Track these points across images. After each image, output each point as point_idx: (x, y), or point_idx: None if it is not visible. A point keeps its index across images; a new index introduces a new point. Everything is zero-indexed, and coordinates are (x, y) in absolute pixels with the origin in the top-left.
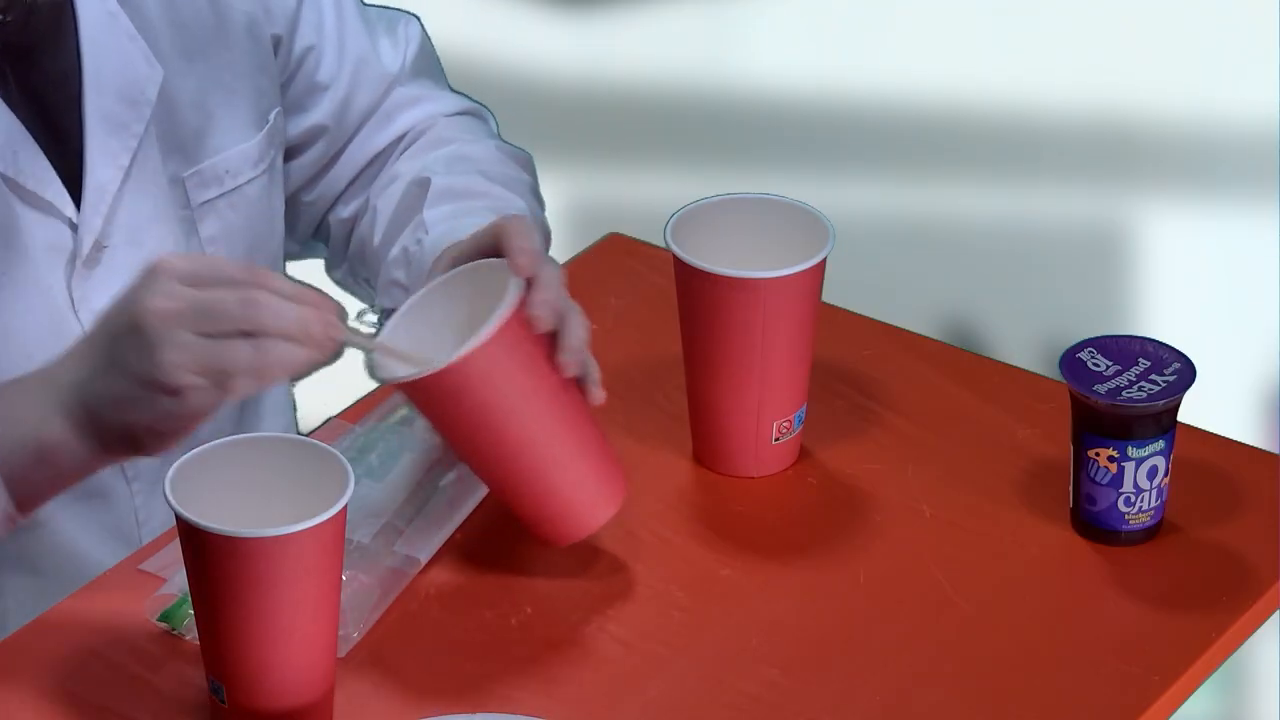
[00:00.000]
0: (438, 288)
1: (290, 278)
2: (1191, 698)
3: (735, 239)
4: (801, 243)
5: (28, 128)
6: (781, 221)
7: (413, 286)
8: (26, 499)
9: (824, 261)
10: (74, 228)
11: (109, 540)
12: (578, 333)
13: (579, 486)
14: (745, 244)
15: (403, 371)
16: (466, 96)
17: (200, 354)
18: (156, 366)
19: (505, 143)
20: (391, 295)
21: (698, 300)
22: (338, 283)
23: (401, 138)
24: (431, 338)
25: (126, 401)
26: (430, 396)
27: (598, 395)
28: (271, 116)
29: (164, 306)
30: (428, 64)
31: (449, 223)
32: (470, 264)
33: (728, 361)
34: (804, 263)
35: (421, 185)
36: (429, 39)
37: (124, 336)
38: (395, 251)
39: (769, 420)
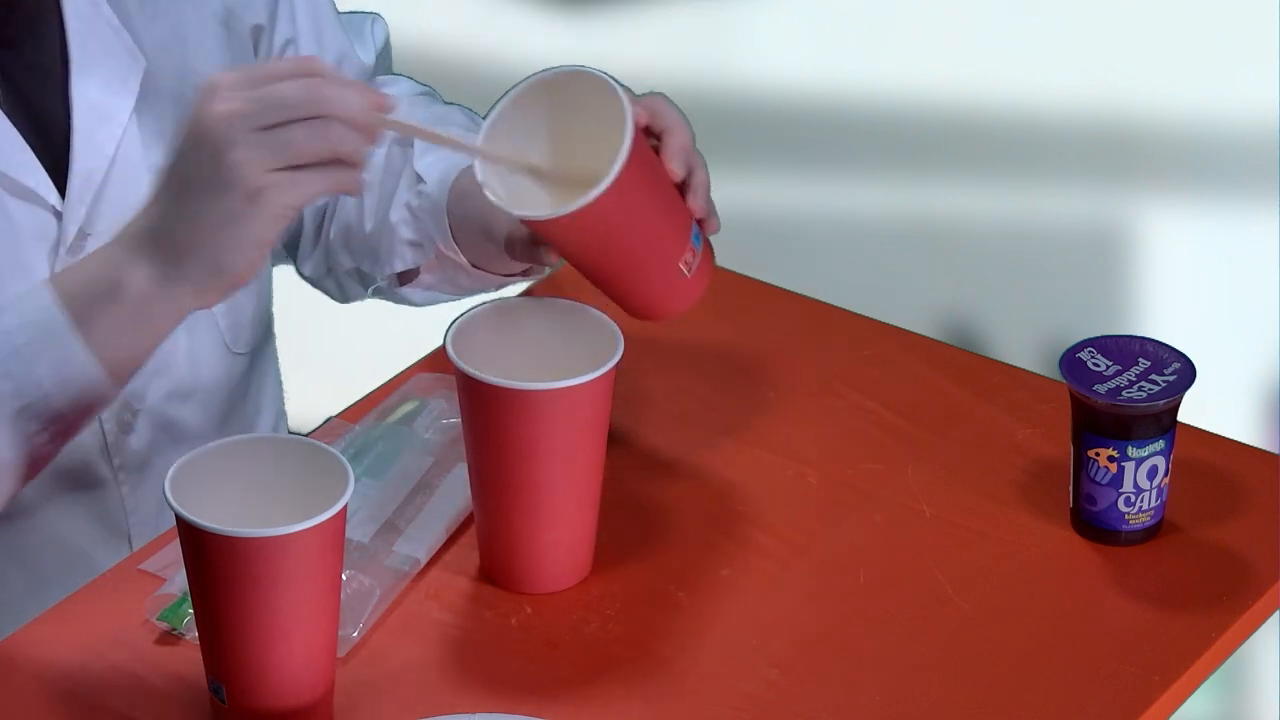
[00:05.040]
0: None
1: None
2: (1191, 698)
3: None
4: None
5: (11, 118)
6: None
7: (425, 239)
8: (117, 360)
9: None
10: (58, 216)
11: (97, 528)
12: (704, 180)
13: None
14: None
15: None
16: (416, 81)
17: (269, 145)
18: (229, 169)
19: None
20: (404, 258)
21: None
22: (308, 278)
23: None
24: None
25: (205, 218)
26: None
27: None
28: None
29: (225, 109)
30: (389, 59)
31: (441, 164)
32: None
33: (616, 266)
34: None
35: (402, 144)
36: (389, 37)
37: (191, 153)
38: (398, 214)
39: (673, 264)
